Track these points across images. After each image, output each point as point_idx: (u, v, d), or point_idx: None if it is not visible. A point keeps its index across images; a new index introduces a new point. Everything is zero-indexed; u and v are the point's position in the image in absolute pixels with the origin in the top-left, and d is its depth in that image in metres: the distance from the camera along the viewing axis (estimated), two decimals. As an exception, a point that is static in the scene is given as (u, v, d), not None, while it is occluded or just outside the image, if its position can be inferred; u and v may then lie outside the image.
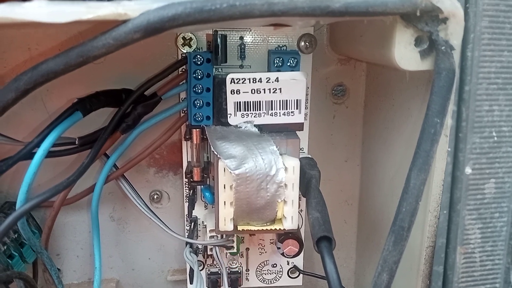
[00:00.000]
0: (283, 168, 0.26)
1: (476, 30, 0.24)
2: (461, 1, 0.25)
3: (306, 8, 0.19)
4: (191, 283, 0.33)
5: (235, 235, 0.32)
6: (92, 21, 0.20)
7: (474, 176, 0.26)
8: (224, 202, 0.26)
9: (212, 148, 0.26)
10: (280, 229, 0.27)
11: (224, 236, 0.31)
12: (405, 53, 0.23)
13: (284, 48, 0.31)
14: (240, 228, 0.27)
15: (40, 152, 0.24)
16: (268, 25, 0.22)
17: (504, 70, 0.25)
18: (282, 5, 0.19)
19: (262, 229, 0.28)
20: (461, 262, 0.27)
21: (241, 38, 0.30)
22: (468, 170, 0.26)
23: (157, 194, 0.35)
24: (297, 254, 0.31)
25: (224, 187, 0.26)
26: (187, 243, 0.31)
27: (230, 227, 0.27)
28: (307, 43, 0.31)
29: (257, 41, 0.31)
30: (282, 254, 0.30)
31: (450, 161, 0.26)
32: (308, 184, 0.29)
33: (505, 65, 0.25)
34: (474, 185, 0.26)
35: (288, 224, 0.27)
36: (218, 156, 0.26)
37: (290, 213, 0.27)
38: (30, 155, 0.25)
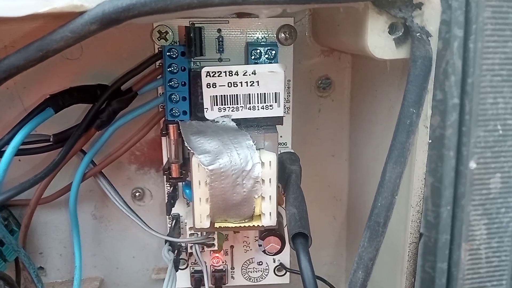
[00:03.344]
0: (259, 163, 0.25)
1: (479, 20, 0.23)
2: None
3: (269, -5, 0.19)
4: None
5: (216, 232, 0.31)
6: (49, 14, 0.19)
7: (479, 170, 0.25)
8: (200, 198, 0.26)
9: (185, 143, 0.26)
10: (258, 225, 0.27)
11: (204, 234, 0.30)
12: (379, 41, 0.22)
13: (264, 40, 0.30)
14: (217, 225, 0.27)
15: (10, 149, 0.24)
16: (232, 14, 0.22)
17: (508, 62, 0.24)
18: (243, -8, 0.18)
19: (240, 226, 0.27)
20: (466, 258, 0.26)
21: (219, 30, 0.30)
22: (472, 164, 0.25)
23: (139, 192, 0.34)
24: (279, 252, 0.30)
25: (199, 184, 0.25)
26: (166, 241, 0.31)
27: (206, 224, 0.26)
28: (286, 35, 0.30)
29: (236, 33, 0.30)
30: (264, 251, 0.30)
31: (453, 156, 0.25)
32: (288, 179, 0.28)
33: (510, 56, 0.24)
34: (479, 180, 0.25)
35: (267, 221, 0.26)
36: (192, 151, 0.25)
37: (268, 209, 0.26)
38: (-1, 153, 0.25)
